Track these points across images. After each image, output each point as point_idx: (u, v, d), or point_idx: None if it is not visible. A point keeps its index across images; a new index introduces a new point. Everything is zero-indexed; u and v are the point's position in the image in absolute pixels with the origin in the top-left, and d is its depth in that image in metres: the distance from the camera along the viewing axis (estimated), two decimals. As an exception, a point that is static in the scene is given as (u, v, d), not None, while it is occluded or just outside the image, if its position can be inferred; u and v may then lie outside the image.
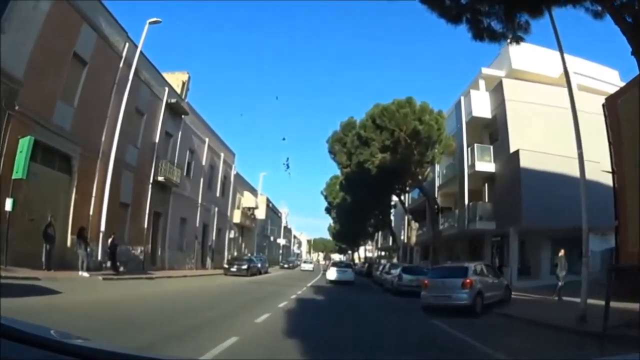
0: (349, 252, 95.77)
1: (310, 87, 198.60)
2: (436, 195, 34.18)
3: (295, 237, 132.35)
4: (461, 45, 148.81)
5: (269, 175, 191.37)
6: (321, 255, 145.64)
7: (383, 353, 7.04)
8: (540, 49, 32.52)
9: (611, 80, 31.19)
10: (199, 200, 31.88)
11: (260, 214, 59.54)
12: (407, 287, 18.86)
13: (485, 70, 32.80)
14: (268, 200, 66.07)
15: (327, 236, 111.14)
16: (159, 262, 26.37)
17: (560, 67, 31.94)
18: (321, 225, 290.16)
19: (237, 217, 42.09)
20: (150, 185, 24.89)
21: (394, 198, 43.08)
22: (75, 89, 18.40)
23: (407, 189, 33.15)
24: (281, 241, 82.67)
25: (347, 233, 57.26)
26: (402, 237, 39.66)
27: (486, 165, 28.19)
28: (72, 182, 18.47)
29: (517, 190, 25.07)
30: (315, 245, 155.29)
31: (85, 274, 16.86)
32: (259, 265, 35.23)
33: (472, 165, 28.52)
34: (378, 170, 22.35)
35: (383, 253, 69.64)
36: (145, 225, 24.42)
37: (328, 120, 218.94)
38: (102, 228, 19.89)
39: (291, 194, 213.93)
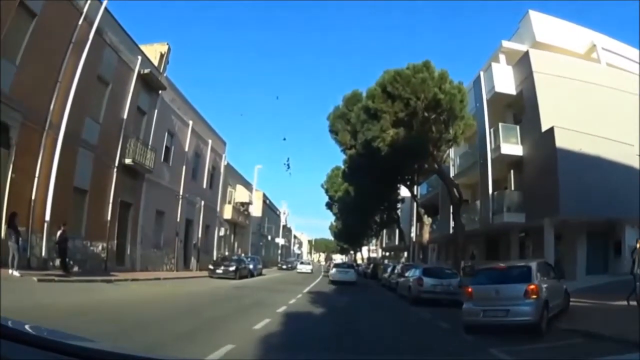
0: (351, 252, 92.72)
1: (311, 77, 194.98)
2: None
3: (295, 237, 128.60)
4: (473, 23, 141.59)
5: (269, 175, 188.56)
6: (322, 255, 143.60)
7: None
8: (563, 23, 28.90)
9: (635, 58, 27.73)
10: (181, 191, 27.88)
11: (256, 210, 55.68)
12: (429, 294, 14.96)
13: (506, 44, 28.79)
14: (265, 197, 62.11)
15: (329, 236, 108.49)
16: (128, 262, 22.38)
17: (587, 42, 28.59)
18: (323, 227, 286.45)
19: (228, 213, 38.06)
20: (115, 169, 20.90)
21: (402, 193, 39.23)
22: (19, 43, 14.77)
23: (418, 179, 29.10)
24: (280, 241, 78.53)
25: (349, 231, 53.26)
26: (411, 235, 35.58)
27: (512, 147, 24.21)
28: (9, 158, 14.67)
29: (552, 175, 21.13)
30: (317, 245, 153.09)
31: (16, 273, 13.20)
32: (251, 266, 31.22)
33: (497, 149, 24.50)
34: (389, 150, 18.29)
35: (388, 253, 65.92)
36: (109, 217, 20.44)
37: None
38: (47, 217, 15.99)
39: (293, 194, 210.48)
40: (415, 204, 29.63)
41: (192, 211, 30.32)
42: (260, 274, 34.40)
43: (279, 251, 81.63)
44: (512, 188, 24.63)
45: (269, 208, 68.10)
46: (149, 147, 23.50)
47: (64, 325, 6.08)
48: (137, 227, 23.09)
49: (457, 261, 19.73)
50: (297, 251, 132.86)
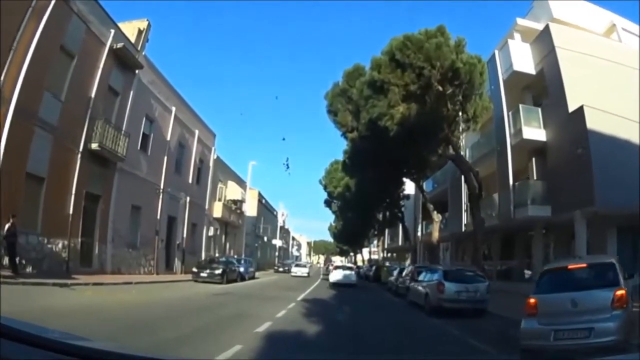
0: (351, 254, 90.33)
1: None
2: (463, 180, 27.40)
3: (294, 238, 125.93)
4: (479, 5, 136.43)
5: (268, 176, 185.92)
6: (322, 258, 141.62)
7: None
8: (581, 1, 26.69)
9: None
10: (161, 185, 25.10)
11: (251, 210, 52.87)
12: (452, 302, 12.16)
13: (521, 22, 26.27)
14: (260, 195, 59.34)
15: (328, 238, 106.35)
16: (97, 263, 19.60)
17: (606, 21, 26.15)
18: (322, 229, 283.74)
19: (218, 211, 35.24)
20: (79, 155, 18.15)
21: (407, 190, 36.45)
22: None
23: (427, 169, 26.28)
24: (277, 242, 75.70)
25: (349, 231, 50.43)
26: (417, 234, 32.80)
27: (535, 132, 21.55)
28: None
29: (584, 161, 18.46)
30: (316, 247, 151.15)
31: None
32: (242, 269, 28.46)
33: (517, 134, 21.81)
34: (398, 130, 15.54)
35: (390, 255, 63.23)
36: (71, 210, 17.67)
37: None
38: (-11, 207, 13.34)
39: (292, 196, 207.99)
40: (422, 199, 26.82)
41: (175, 207, 27.54)
42: (252, 278, 31.65)
43: (276, 253, 78.78)
44: (534, 178, 21.92)
45: (265, 208, 65.31)
46: (123, 132, 20.75)
47: None
48: (107, 223, 20.29)
49: (477, 262, 16.94)
50: (295, 253, 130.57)
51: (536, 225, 21.45)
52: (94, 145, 18.70)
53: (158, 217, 24.79)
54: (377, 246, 65.81)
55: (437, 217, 25.04)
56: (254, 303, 14.10)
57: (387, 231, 58.08)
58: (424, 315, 12.74)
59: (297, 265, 46.05)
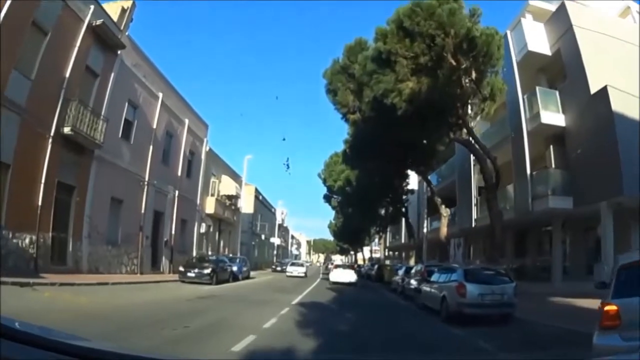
0: (352, 252, 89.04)
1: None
2: (472, 172, 25.74)
3: (293, 237, 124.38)
4: None
5: (268, 174, 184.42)
6: (322, 256, 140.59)
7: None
8: None
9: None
10: (146, 177, 23.34)
11: (247, 207, 51.20)
12: (475, 308, 10.34)
13: (533, 2, 24.69)
14: (257, 192, 57.59)
15: (328, 236, 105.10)
16: (71, 261, 17.85)
17: (620, 4, 24.66)
18: (322, 228, 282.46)
19: (210, 207, 33.47)
20: (50, 140, 16.42)
21: (410, 185, 34.69)
22: None
23: (436, 156, 24.51)
24: (275, 241, 73.95)
25: (350, 228, 48.64)
26: (423, 230, 31.07)
27: (553, 117, 19.89)
28: None
29: (610, 147, 16.86)
30: (316, 246, 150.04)
31: None
32: (235, 268, 26.76)
33: (534, 118, 20.15)
34: (406, 109, 13.79)
35: (392, 253, 61.61)
36: (41, 202, 15.94)
37: (332, 120, 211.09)
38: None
39: (291, 195, 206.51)
40: (429, 192, 25.05)
41: (162, 202, 25.79)
42: (247, 277, 29.95)
43: (275, 252, 77.09)
44: (553, 167, 20.22)
45: (263, 205, 63.57)
46: (101, 117, 18.99)
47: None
48: (83, 217, 18.54)
49: (495, 260, 15.15)
50: (295, 252, 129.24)
51: (555, 218, 19.74)
52: (67, 130, 16.93)
53: (142, 211, 23.03)
54: (379, 244, 64.13)
55: (445, 211, 23.31)
56: (241, 308, 12.33)
57: (388, 229, 56.48)
58: (441, 322, 10.96)
59: (293, 264, 41.05)
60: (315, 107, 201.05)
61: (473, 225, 24.36)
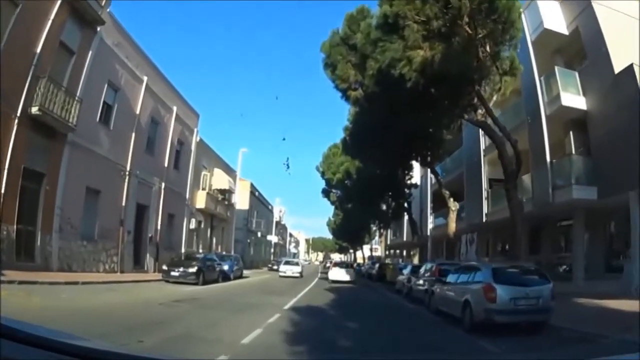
0: (351, 251, 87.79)
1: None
2: (482, 163, 24.10)
3: (291, 235, 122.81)
4: None
5: (267, 172, 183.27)
6: (320, 255, 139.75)
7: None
8: None
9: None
10: (128, 166, 21.65)
11: (242, 202, 49.60)
12: (507, 315, 8.54)
13: (546, -19, 22.97)
14: (253, 187, 55.93)
15: (327, 235, 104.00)
16: (40, 257, 16.16)
17: None
18: (321, 227, 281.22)
19: (201, 201, 31.77)
20: (16, 121, 14.74)
21: (414, 180, 33.04)
22: None
23: (436, 151, 22.83)
24: (272, 238, 72.26)
25: (350, 225, 46.91)
26: (429, 226, 29.43)
27: (574, 99, 18.24)
28: None
29: (638, 130, 15.16)
30: (314, 244, 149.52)
31: None
32: (226, 267, 25.14)
33: (554, 101, 18.52)
34: (417, 80, 12.10)
35: (392, 251, 60.08)
36: (4, 189, 14.28)
37: (331, 118, 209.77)
38: None
39: (290, 193, 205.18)
40: (435, 185, 23.32)
41: (147, 194, 24.08)
42: (240, 277, 28.30)
43: (272, 250, 75.48)
44: (573, 153, 18.59)
45: (259, 201, 61.88)
46: (76, 97, 17.29)
47: None
48: (54, 209, 16.83)
49: (516, 257, 13.49)
50: (293, 250, 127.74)
51: (577, 211, 18.07)
52: (34, 110, 15.24)
53: (123, 204, 21.33)
54: (380, 242, 62.57)
55: (454, 205, 21.65)
56: (221, 315, 10.52)
57: (390, 226, 54.89)
58: (464, 333, 9.18)
59: (287, 263, 36.01)
60: (315, 106, 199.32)
61: (484, 220, 22.70)
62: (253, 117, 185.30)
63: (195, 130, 31.11)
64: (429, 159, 23.85)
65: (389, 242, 58.07)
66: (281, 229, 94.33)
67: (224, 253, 32.27)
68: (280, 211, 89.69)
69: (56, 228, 16.92)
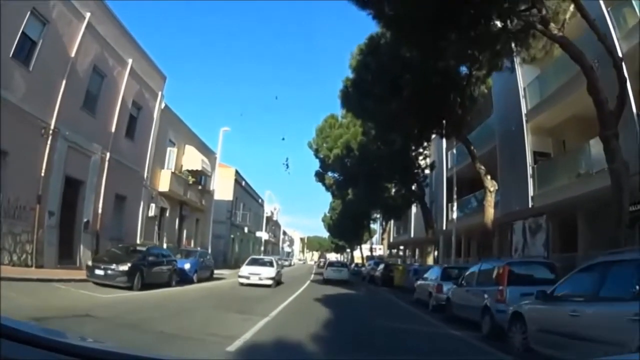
0: (348, 250, 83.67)
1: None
2: (525, 132, 19.17)
3: (285, 233, 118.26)
4: None
5: (265, 171, 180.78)
6: (316, 254, 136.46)
7: None
8: None
9: None
10: (52, 122, 16.58)
11: (225, 192, 44.54)
12: None
13: None
14: (239, 175, 50.83)
15: (324, 233, 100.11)
16: None
17: None
18: (318, 227, 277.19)
19: (165, 183, 26.53)
20: None
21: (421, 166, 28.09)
22: None
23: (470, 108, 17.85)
24: (262, 235, 66.69)
25: (349, 216, 41.81)
26: (453, 217, 24.47)
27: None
28: None
29: None
30: (310, 244, 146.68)
31: None
32: (186, 266, 20.23)
33: (629, 35, 13.66)
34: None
35: (394, 251, 55.48)
36: None
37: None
38: None
39: (285, 190, 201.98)
40: (471, 156, 18.22)
41: (82, 166, 18.96)
42: (210, 278, 23.35)
43: (262, 248, 70.30)
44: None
45: (246, 192, 56.78)
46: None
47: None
48: None
49: (618, 244, 8.53)
50: (287, 249, 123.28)
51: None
52: None
53: (43, 173, 16.24)
54: (382, 239, 57.80)
55: (492, 184, 16.68)
56: None
57: (392, 222, 50.12)
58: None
59: (253, 262, 23.52)
60: (316, 104, 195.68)
61: (530, 206, 17.73)
62: (253, 116, 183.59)
63: (160, 94, 25.94)
64: (455, 120, 18.56)
65: (391, 240, 53.33)
66: (273, 225, 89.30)
67: (197, 249, 27.25)
68: (275, 209, 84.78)
69: None
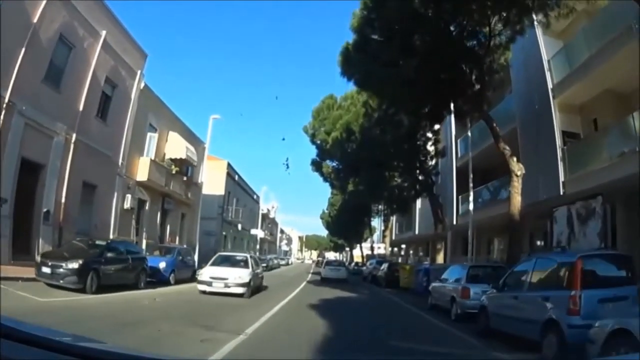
0: (347, 249, 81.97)
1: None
2: (553, 109, 17.02)
3: (282, 231, 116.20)
4: None
5: (264, 170, 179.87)
6: (314, 253, 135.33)
7: None
8: None
9: None
10: (6, 95, 14.39)
11: (216, 186, 42.47)
12: None
13: None
14: (231, 169, 48.65)
15: (322, 232, 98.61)
16: None
17: None
18: (317, 227, 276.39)
19: (143, 172, 24.21)
20: None
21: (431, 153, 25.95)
22: None
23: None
24: (258, 233, 64.28)
25: (349, 209, 39.59)
26: (470, 209, 22.36)
27: None
28: None
29: None
30: (308, 242, 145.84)
31: None
32: (162, 265, 18.04)
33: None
34: None
35: (396, 249, 53.49)
36: None
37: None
38: None
39: (283, 189, 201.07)
40: (493, 136, 15.94)
41: (42, 147, 16.73)
42: (191, 279, 20.61)
43: (257, 246, 68.07)
44: None
45: (240, 187, 54.63)
46: None
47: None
48: None
49: None
50: (285, 248, 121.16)
51: None
52: None
53: (-8, 155, 14.07)
54: (384, 237, 55.75)
55: (519, 167, 14.53)
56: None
57: (394, 219, 48.11)
58: None
59: (221, 262, 17.46)
60: (316, 103, 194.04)
61: (561, 193, 15.59)
62: (252, 115, 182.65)
63: (139, 72, 23.66)
64: (476, 90, 16.24)
65: (394, 238, 51.27)
66: (270, 223, 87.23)
67: (178, 246, 25.02)
68: (272, 206, 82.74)
69: None
